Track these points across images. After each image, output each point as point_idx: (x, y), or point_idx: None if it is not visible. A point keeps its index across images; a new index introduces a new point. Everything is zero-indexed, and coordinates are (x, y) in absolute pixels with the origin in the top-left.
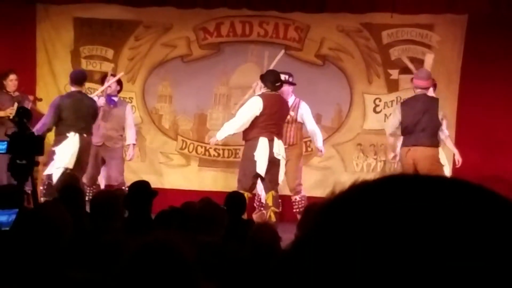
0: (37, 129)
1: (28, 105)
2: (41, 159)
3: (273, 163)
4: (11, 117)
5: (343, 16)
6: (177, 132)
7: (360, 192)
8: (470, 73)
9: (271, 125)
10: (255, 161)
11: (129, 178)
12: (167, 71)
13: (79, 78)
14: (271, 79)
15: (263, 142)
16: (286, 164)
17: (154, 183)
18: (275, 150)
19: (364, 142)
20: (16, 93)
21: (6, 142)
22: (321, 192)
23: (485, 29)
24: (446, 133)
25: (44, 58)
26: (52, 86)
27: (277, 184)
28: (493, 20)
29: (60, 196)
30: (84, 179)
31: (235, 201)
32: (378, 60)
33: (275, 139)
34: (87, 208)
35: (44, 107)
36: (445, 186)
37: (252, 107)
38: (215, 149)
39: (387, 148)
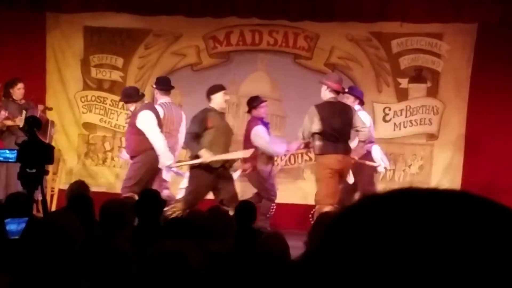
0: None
1: (36, 113)
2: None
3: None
4: (21, 126)
5: (352, 25)
6: None
7: (370, 205)
8: (479, 82)
9: None
10: None
11: None
12: (177, 80)
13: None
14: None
15: None
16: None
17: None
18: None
19: None
20: (23, 101)
21: (16, 151)
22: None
23: (495, 38)
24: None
25: (54, 67)
26: (61, 95)
27: None
28: (502, 29)
29: (70, 204)
30: None
31: (245, 210)
32: (388, 69)
33: None
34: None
35: (54, 116)
36: (454, 200)
37: None
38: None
39: (397, 157)
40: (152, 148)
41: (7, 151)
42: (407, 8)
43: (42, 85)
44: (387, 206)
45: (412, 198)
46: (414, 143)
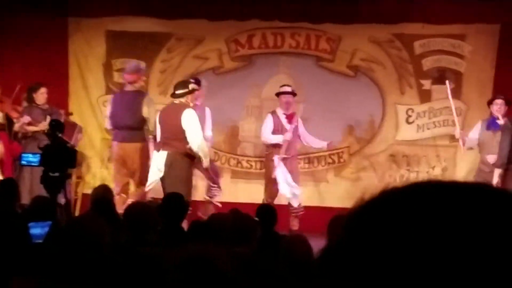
0: None
1: (60, 118)
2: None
3: None
4: (46, 131)
5: (374, 26)
6: None
7: (389, 199)
8: (503, 83)
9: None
10: None
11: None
12: None
13: None
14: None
15: None
16: (295, 175)
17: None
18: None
19: (397, 153)
20: (46, 106)
21: (39, 155)
22: (351, 203)
23: None
24: None
25: (76, 72)
26: (84, 100)
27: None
28: None
29: (94, 208)
30: None
31: (267, 213)
32: (410, 70)
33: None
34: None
35: (77, 121)
36: (474, 192)
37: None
38: (247, 161)
39: (420, 159)
40: None
41: (30, 155)
42: (429, 9)
43: (65, 90)
44: (408, 199)
45: (432, 190)
46: (437, 145)
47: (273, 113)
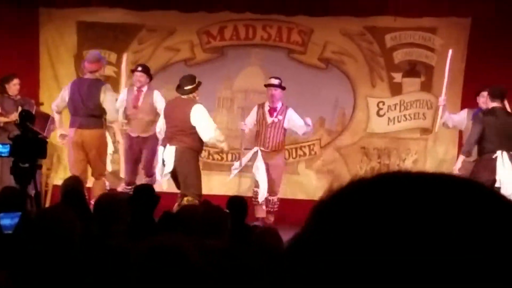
0: None
1: (32, 109)
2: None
3: None
4: (16, 122)
5: (346, 19)
6: None
7: (356, 189)
8: (473, 76)
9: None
10: None
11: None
12: (171, 75)
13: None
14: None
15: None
16: (272, 169)
17: (156, 187)
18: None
19: (368, 146)
20: (18, 97)
21: (8, 145)
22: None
23: (489, 32)
24: None
25: (47, 62)
26: (55, 90)
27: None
28: (496, 23)
29: (65, 199)
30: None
31: (238, 206)
32: (382, 63)
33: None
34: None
35: (47, 111)
36: (437, 182)
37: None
38: (218, 153)
39: (391, 151)
40: None
41: (0, 146)
42: (401, 2)
43: (36, 80)
44: (375, 190)
45: (398, 181)
46: (408, 138)
47: (261, 105)
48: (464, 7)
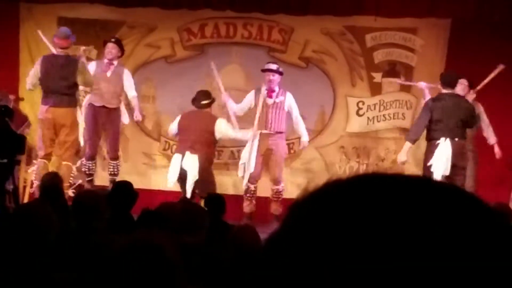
0: None
1: (9, 103)
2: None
3: None
4: None
5: (327, 18)
6: (160, 133)
7: (331, 190)
8: None
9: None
10: None
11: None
12: (151, 72)
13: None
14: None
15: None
16: (274, 155)
17: (137, 184)
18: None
19: (347, 145)
20: None
21: None
22: None
23: (469, 33)
24: None
25: (27, 57)
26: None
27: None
28: (476, 24)
29: (43, 195)
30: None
31: (215, 203)
32: (362, 63)
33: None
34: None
35: (27, 107)
36: (413, 184)
37: None
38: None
39: (370, 151)
40: None
41: None
42: (382, 2)
43: (15, 76)
44: (350, 191)
45: (374, 181)
46: (387, 138)
47: (258, 89)
48: (444, 8)
